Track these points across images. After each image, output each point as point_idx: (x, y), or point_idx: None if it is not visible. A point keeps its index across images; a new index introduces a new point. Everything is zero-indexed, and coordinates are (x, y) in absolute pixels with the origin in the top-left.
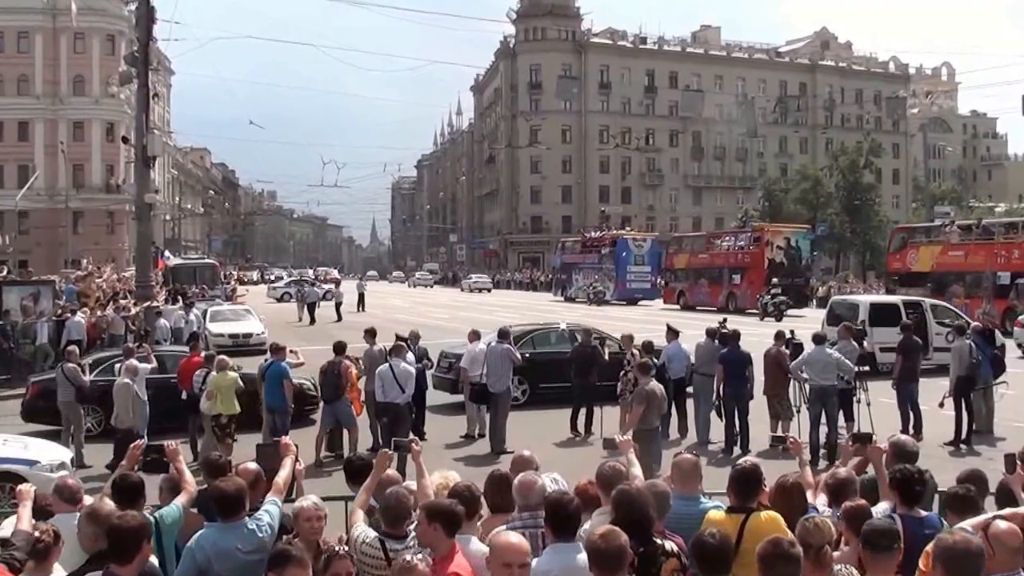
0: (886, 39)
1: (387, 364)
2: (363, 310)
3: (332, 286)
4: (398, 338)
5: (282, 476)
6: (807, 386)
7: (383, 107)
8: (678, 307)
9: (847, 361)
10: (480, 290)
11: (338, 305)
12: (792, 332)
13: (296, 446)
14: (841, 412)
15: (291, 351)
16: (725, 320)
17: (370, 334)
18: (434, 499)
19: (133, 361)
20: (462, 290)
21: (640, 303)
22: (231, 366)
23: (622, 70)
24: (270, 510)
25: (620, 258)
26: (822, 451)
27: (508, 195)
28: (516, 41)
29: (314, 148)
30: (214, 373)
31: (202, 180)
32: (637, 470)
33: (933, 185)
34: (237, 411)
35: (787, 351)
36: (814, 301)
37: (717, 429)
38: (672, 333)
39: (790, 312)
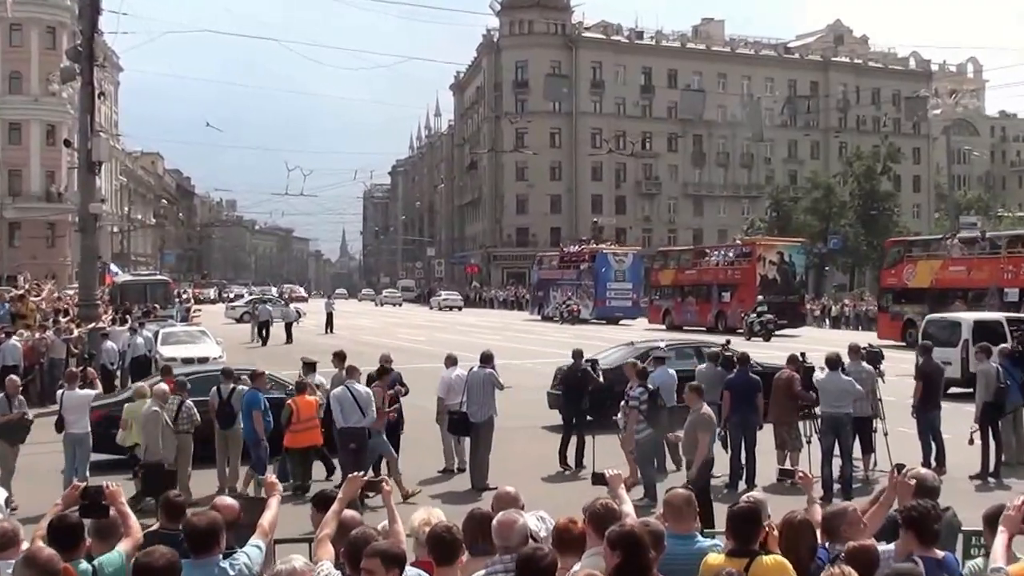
0: (906, 33)
1: (344, 387)
2: (331, 331)
3: (285, 304)
4: (381, 364)
5: (267, 518)
6: (819, 415)
7: (354, 108)
8: (663, 327)
9: (857, 385)
10: (451, 308)
11: (289, 325)
12: (803, 355)
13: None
14: (857, 443)
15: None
16: (728, 342)
17: (339, 358)
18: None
19: (163, 386)
20: (431, 308)
21: (621, 322)
22: (150, 393)
23: (616, 68)
24: (250, 552)
25: (599, 274)
26: (836, 486)
27: (491, 205)
28: (500, 35)
29: (278, 153)
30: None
31: (154, 188)
32: (629, 507)
33: (958, 193)
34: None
35: (798, 375)
36: (826, 318)
37: (720, 462)
38: (658, 360)
39: (783, 332)
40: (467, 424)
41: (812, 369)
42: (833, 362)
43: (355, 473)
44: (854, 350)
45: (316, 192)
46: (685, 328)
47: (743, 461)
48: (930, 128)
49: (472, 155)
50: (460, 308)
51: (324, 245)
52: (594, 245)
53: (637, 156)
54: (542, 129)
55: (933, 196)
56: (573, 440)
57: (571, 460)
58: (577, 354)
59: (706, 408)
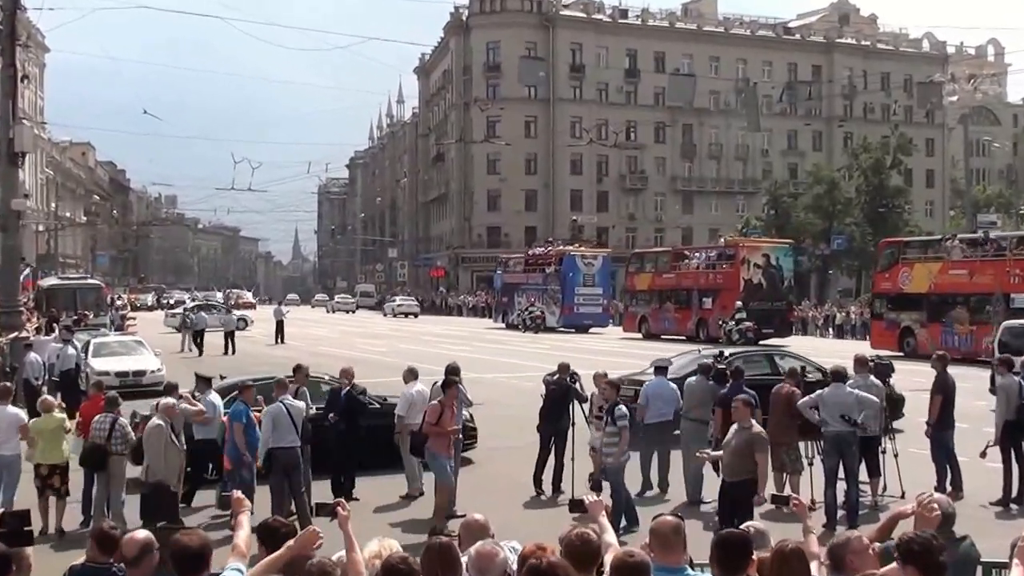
0: (919, 12)
1: (279, 403)
2: (282, 342)
3: (227, 311)
4: (344, 374)
5: (241, 537)
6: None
7: (309, 94)
8: (640, 335)
9: (872, 398)
10: (406, 315)
11: (230, 335)
12: (803, 368)
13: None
14: (863, 465)
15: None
16: (722, 354)
17: (298, 372)
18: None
19: (170, 400)
20: (384, 315)
21: (591, 331)
22: (57, 405)
23: (598, 50)
24: None
25: (567, 278)
26: (840, 512)
27: (459, 201)
28: (470, 14)
29: (224, 144)
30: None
31: (84, 182)
32: (611, 537)
33: (976, 188)
34: (63, 461)
35: (799, 390)
36: (830, 327)
37: (711, 486)
38: (660, 370)
39: (768, 342)
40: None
41: (814, 384)
42: (839, 374)
43: (314, 528)
44: (861, 361)
45: (266, 187)
46: (663, 337)
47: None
48: (945, 117)
49: (438, 146)
50: (416, 315)
51: (275, 246)
52: (562, 246)
53: (621, 147)
54: (516, 117)
55: (948, 192)
56: (552, 462)
57: (548, 485)
58: (563, 368)
59: (757, 427)
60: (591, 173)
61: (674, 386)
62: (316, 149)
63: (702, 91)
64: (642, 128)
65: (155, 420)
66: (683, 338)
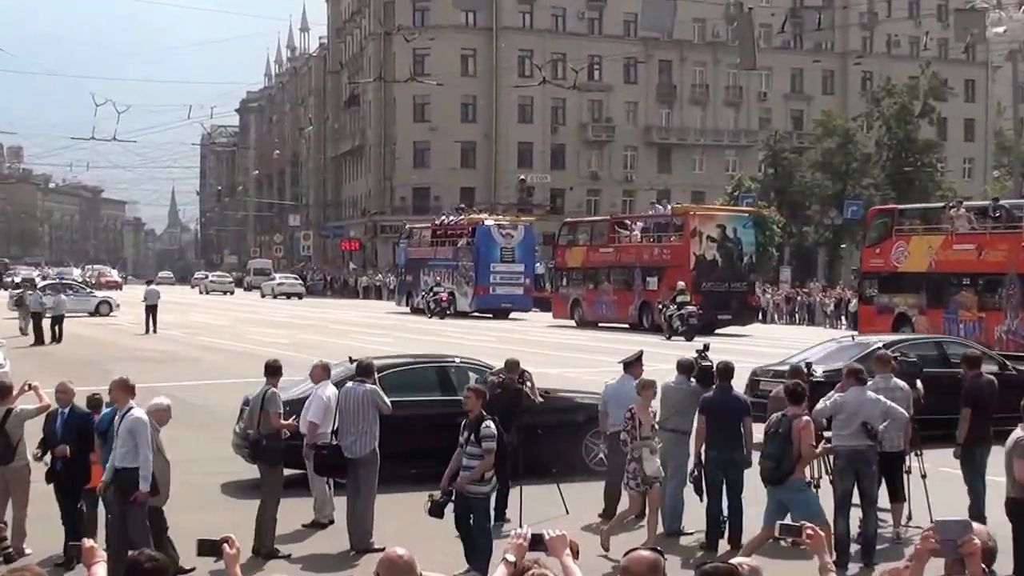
0: None
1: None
2: (154, 331)
3: (60, 291)
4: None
5: None
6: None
7: (187, 19)
8: (572, 322)
9: (900, 409)
10: (288, 295)
11: (57, 320)
12: (809, 366)
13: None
14: (884, 487)
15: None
16: (706, 347)
17: (271, 371)
18: None
19: (162, 401)
20: (262, 295)
21: (511, 315)
22: None
23: None
24: None
25: (480, 252)
26: (855, 547)
27: (379, 155)
28: None
29: (82, 82)
30: None
31: None
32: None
33: None
34: None
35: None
36: (843, 315)
37: (693, 512)
38: (634, 365)
39: (725, 331)
40: (340, 461)
41: (821, 385)
42: (857, 374)
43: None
44: (883, 360)
45: (135, 136)
46: (600, 325)
47: (725, 512)
48: (989, 53)
49: (352, 86)
50: (300, 296)
51: (146, 211)
52: (476, 214)
53: (582, 89)
54: (450, 50)
55: (992, 147)
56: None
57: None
58: (511, 365)
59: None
60: (544, 121)
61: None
62: (198, 89)
63: (683, 19)
64: (609, 65)
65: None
66: (625, 326)
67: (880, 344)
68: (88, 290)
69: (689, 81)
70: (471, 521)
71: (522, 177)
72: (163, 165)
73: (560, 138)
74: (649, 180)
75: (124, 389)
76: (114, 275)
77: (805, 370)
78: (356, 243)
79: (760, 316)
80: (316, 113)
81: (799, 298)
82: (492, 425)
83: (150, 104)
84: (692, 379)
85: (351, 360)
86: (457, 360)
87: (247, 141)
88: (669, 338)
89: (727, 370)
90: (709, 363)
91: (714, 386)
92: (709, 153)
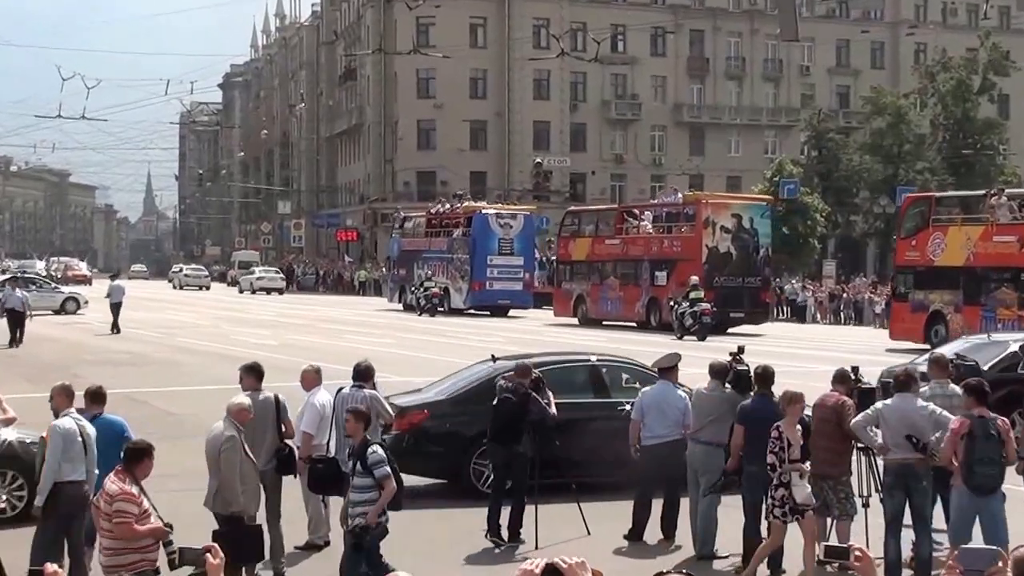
0: None
1: (70, 418)
2: (118, 331)
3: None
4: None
5: None
6: (880, 462)
7: None
8: (575, 320)
9: (952, 417)
10: (268, 291)
11: (18, 318)
12: (856, 370)
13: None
14: (939, 505)
15: None
16: (742, 350)
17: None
18: None
19: (243, 400)
20: (240, 291)
21: (511, 313)
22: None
23: None
24: None
25: (476, 244)
26: (907, 572)
27: (378, 136)
28: None
29: (47, 54)
30: None
31: None
32: None
33: None
34: None
35: (851, 401)
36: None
37: (729, 531)
38: (669, 371)
39: (737, 330)
40: (338, 476)
41: (872, 392)
42: (904, 381)
43: None
44: (939, 363)
45: (106, 114)
46: (606, 324)
47: (764, 532)
48: None
49: (349, 58)
50: (281, 291)
51: (119, 197)
52: (473, 202)
53: (604, 62)
54: (457, 19)
55: None
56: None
57: (506, 531)
58: (522, 370)
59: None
60: (562, 98)
61: (683, 394)
62: (177, 61)
63: None
64: (634, 35)
65: (224, 429)
66: (631, 325)
67: (737, 351)
68: (53, 285)
69: (723, 53)
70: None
71: (538, 160)
72: (138, 146)
73: (580, 117)
74: (679, 163)
75: (66, 395)
76: (82, 268)
77: (853, 376)
78: (353, 233)
79: (799, 315)
80: (308, 89)
81: (845, 295)
82: (379, 450)
83: (123, 78)
84: (727, 385)
85: (493, 359)
86: (593, 359)
87: (231, 119)
88: (680, 338)
89: (767, 375)
90: (746, 367)
91: (752, 393)
92: (745, 133)
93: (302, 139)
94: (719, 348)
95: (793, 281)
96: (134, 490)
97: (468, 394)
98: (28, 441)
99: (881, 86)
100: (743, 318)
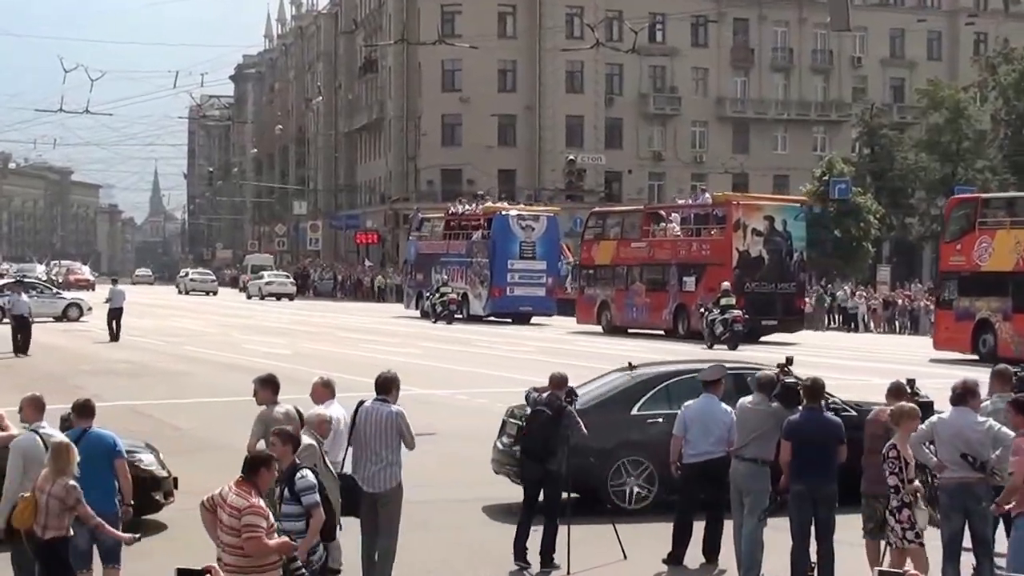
0: None
1: (33, 432)
2: (116, 339)
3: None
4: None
5: None
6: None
7: None
8: (599, 327)
9: (1013, 434)
10: (278, 296)
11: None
12: (912, 383)
13: None
14: (1001, 528)
15: None
16: (790, 361)
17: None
18: None
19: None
20: (248, 296)
21: (533, 320)
22: None
23: None
24: None
25: (496, 247)
26: None
27: (400, 131)
28: None
29: (49, 44)
30: None
31: None
32: None
33: None
34: None
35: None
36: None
37: (777, 553)
38: (713, 384)
39: (769, 339)
40: (355, 496)
41: (930, 406)
42: (963, 394)
43: None
44: (1002, 376)
45: (111, 108)
46: (631, 331)
47: (813, 557)
48: None
49: (369, 49)
50: (291, 297)
51: (124, 196)
52: (492, 203)
53: (641, 54)
54: (485, 7)
55: None
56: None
57: (535, 555)
58: (558, 381)
59: None
60: (596, 91)
61: (728, 409)
62: (186, 52)
63: None
64: (674, 25)
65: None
66: (659, 333)
67: (784, 362)
68: (54, 291)
69: (769, 44)
70: None
71: (571, 157)
72: (144, 142)
73: (616, 111)
74: (722, 162)
75: (35, 407)
76: (85, 273)
77: (909, 389)
78: (374, 235)
79: (852, 324)
80: (326, 81)
81: (900, 303)
82: (309, 474)
83: (129, 70)
84: (773, 399)
85: (631, 366)
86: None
87: (244, 114)
88: (711, 347)
89: (816, 388)
90: (794, 380)
91: (800, 407)
92: (793, 129)
93: (319, 135)
94: (736, 355)
95: (845, 287)
96: (261, 503)
97: (605, 404)
98: None
99: (938, 79)
100: (776, 326)
